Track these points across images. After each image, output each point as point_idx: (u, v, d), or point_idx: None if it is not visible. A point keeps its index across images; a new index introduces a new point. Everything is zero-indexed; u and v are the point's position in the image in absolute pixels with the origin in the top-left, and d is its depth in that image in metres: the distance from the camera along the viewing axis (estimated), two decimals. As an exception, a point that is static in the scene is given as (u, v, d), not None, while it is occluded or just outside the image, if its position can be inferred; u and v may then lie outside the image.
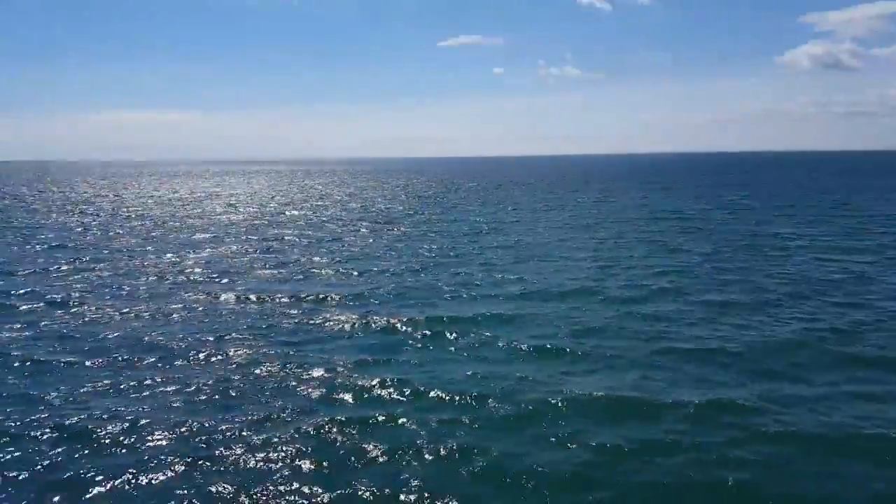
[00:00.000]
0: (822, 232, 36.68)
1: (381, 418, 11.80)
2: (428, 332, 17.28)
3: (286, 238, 37.71)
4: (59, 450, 10.59)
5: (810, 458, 10.24)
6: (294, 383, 13.63)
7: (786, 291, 21.53)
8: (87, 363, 14.84)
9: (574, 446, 10.68)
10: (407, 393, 13.00)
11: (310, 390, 13.24)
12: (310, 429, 11.30)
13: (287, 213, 55.61)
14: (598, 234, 38.03)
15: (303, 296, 21.69)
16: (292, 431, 11.18)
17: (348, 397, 12.91)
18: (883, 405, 12.20)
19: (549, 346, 15.99)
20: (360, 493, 9.29)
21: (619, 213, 51.35)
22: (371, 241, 36.20)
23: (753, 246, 31.77)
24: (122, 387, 13.33)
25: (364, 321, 18.37)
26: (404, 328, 17.78)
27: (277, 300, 21.28)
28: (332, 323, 18.42)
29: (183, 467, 9.99)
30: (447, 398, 12.74)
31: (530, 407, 12.20)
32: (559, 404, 12.28)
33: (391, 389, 13.18)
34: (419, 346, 16.44)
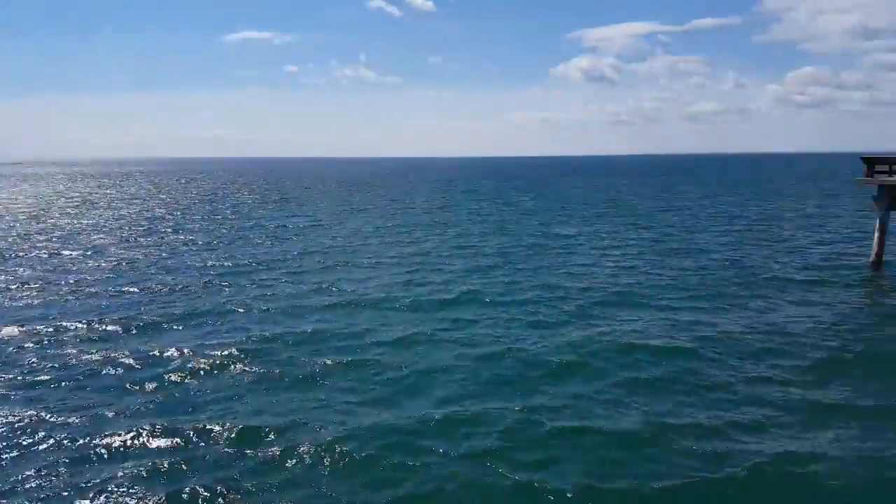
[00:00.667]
0: (596, 229, 41.50)
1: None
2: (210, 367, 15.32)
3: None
4: None
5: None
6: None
7: (578, 287, 23.59)
8: None
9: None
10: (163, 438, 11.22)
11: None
12: None
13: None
14: (398, 238, 38.32)
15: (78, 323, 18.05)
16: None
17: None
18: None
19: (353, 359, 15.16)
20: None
21: (419, 216, 52.54)
22: (133, 254, 32.01)
23: (541, 245, 34.70)
24: None
25: (117, 355, 15.81)
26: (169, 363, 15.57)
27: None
28: (88, 357, 15.55)
29: None
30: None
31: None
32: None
33: (143, 436, 11.34)
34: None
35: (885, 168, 26.88)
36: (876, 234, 26.69)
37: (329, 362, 15.35)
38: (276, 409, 12.76)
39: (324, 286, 24.02)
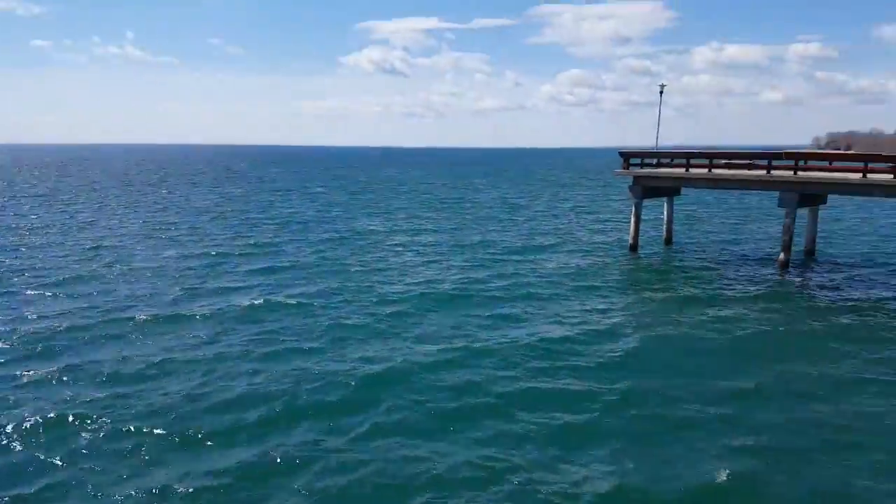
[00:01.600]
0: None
1: None
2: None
3: None
4: None
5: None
6: None
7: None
8: None
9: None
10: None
11: None
12: None
13: None
14: (181, 237, 35.38)
15: None
16: None
17: None
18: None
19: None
20: None
21: (191, 211, 48.96)
22: None
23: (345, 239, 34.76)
24: None
25: None
26: None
27: None
28: None
29: None
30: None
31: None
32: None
33: None
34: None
35: (638, 161, 31.69)
36: (632, 220, 31.36)
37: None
38: None
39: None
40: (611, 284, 24.51)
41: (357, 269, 26.38)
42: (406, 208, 51.41)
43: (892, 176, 25.41)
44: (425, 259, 28.72)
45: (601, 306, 20.87)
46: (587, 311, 20.22)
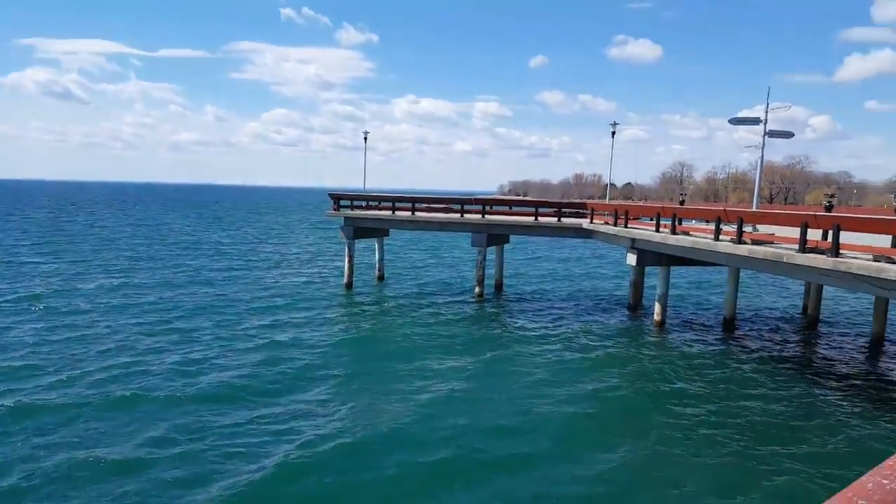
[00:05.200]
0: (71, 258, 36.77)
1: None
2: None
3: None
4: None
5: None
6: None
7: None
8: None
9: None
10: None
11: None
12: None
13: None
14: None
15: None
16: None
17: None
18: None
19: None
20: None
21: None
22: None
23: None
24: None
25: None
26: None
27: None
28: None
29: None
30: None
31: None
32: None
33: None
34: None
35: (348, 203, 33.12)
36: (346, 259, 32.49)
37: None
38: None
39: None
40: (327, 317, 25.36)
41: None
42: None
43: (556, 219, 31.16)
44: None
45: (318, 340, 21.19)
46: (298, 346, 20.28)
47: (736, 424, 15.18)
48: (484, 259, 30.29)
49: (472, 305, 29.34)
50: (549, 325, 25.83)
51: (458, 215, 31.18)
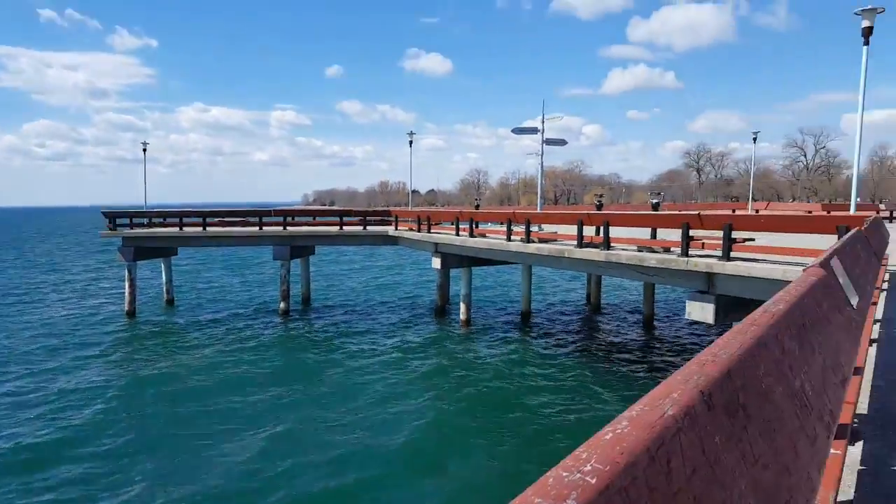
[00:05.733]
0: None
1: None
2: None
3: None
4: None
5: None
6: None
7: None
8: None
9: None
10: None
11: None
12: None
13: None
14: None
15: None
16: None
17: None
18: None
19: None
20: None
21: None
22: None
23: None
24: None
25: None
26: None
27: None
28: None
29: None
30: None
31: None
32: None
33: None
34: None
35: (127, 221, 29.85)
36: (126, 284, 29.18)
37: None
38: None
39: None
40: (103, 354, 22.36)
41: None
42: None
43: (361, 228, 31.15)
44: None
45: (91, 387, 18.51)
46: (64, 397, 17.57)
47: (533, 408, 16.32)
48: (288, 273, 29.19)
49: (278, 324, 28.06)
50: (361, 336, 25.63)
51: (257, 228, 29.72)
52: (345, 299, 35.18)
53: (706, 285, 14.56)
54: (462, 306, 26.77)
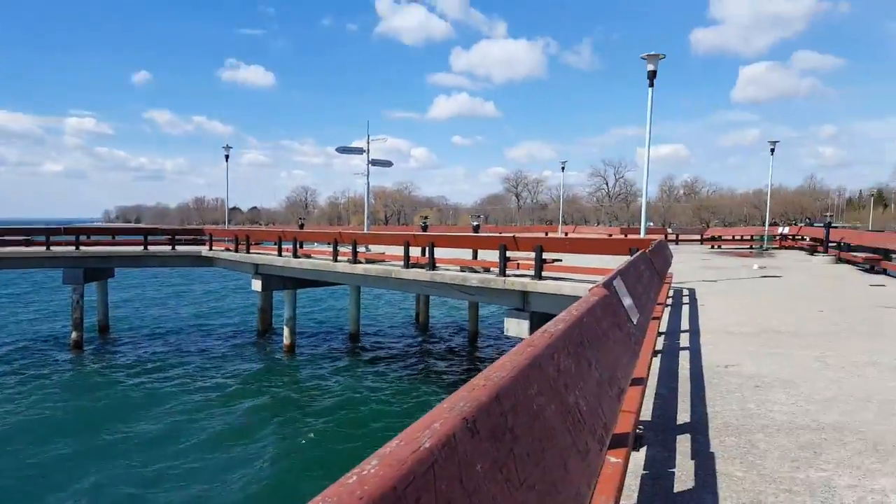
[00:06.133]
0: None
1: None
2: None
3: None
4: None
5: None
6: None
7: None
8: None
9: None
10: None
11: None
12: None
13: None
14: None
15: None
16: None
17: None
18: None
19: None
20: None
21: None
22: None
23: None
24: None
25: None
26: None
27: None
28: None
29: None
30: None
31: None
32: None
33: None
34: None
35: None
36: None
37: None
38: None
39: None
40: None
41: None
42: None
43: (170, 247, 28.84)
44: None
45: None
46: None
47: (356, 423, 16.13)
48: (81, 298, 26.03)
49: (68, 360, 24.81)
50: (171, 370, 23.50)
51: (43, 248, 26.22)
52: (154, 328, 32.16)
53: (522, 303, 15.50)
54: (286, 330, 25.77)
